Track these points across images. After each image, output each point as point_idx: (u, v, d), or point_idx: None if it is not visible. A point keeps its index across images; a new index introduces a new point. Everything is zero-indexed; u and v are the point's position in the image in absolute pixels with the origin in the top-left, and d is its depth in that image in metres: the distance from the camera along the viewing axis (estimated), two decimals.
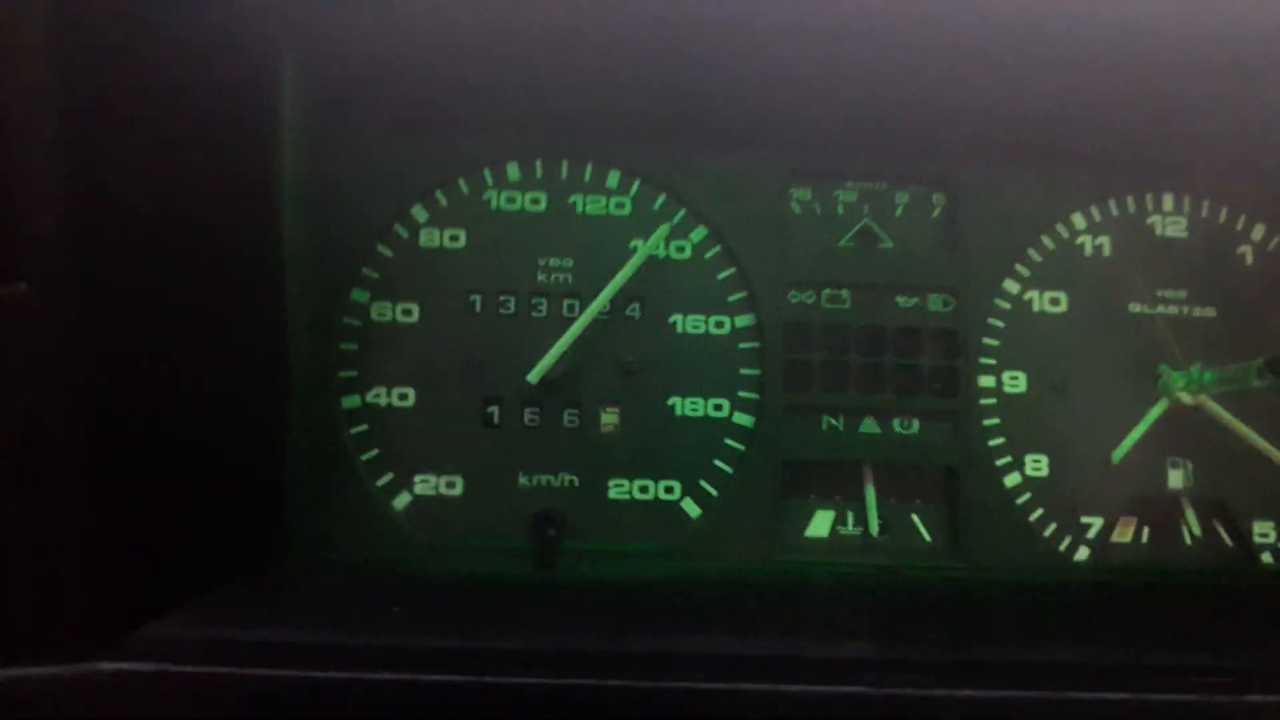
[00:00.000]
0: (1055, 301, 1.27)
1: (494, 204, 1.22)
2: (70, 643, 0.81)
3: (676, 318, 1.23)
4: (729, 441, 1.22)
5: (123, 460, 0.85)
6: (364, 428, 1.19)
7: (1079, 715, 0.85)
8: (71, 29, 0.77)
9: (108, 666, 0.81)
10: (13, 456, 0.78)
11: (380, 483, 1.19)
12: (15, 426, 0.78)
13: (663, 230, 1.22)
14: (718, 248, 1.24)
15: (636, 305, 1.22)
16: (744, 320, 1.24)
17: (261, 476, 1.10)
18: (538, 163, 1.23)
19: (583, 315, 1.18)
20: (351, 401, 1.19)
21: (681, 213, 1.24)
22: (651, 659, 0.86)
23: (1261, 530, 1.25)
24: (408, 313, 1.20)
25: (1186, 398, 1.23)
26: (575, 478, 1.21)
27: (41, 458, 0.79)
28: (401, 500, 1.19)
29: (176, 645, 0.83)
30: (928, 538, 1.25)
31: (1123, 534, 1.26)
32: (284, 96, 1.10)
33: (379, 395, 1.19)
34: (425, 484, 1.19)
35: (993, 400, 1.25)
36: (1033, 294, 1.27)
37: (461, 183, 1.22)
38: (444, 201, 1.22)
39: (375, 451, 1.19)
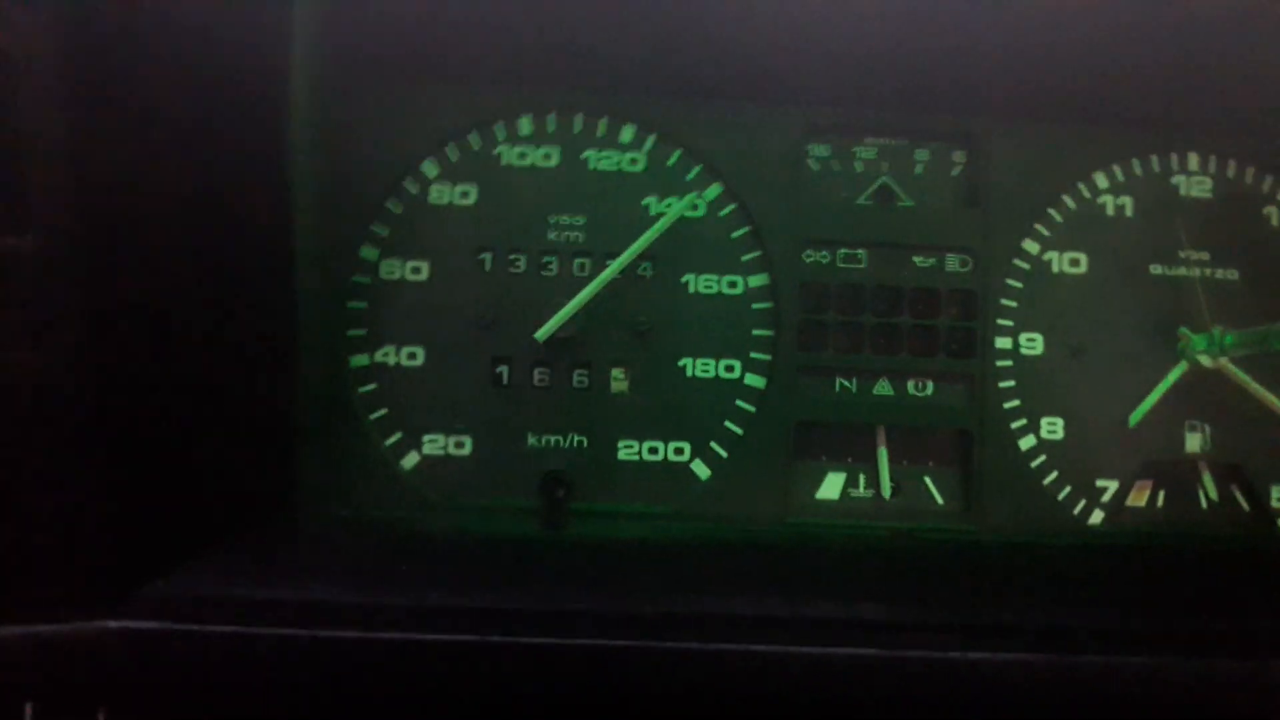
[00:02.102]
0: (1075, 262, 1.24)
1: (505, 159, 1.20)
2: (76, 600, 0.80)
3: (689, 277, 1.21)
4: (740, 403, 1.21)
5: (130, 416, 0.84)
6: (372, 386, 1.18)
7: (1093, 679, 0.84)
8: None
9: (113, 624, 0.81)
10: (18, 411, 0.77)
11: (389, 442, 1.18)
12: (20, 380, 0.77)
13: (690, 196, 1.20)
14: (732, 205, 1.22)
15: (648, 264, 1.20)
16: (758, 280, 1.22)
17: (270, 434, 1.09)
18: (550, 116, 1.21)
19: (601, 275, 1.16)
20: (360, 360, 1.18)
21: (696, 169, 1.22)
22: (660, 620, 0.85)
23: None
24: (417, 270, 1.19)
25: (1206, 361, 1.21)
26: (584, 438, 1.20)
27: (47, 413, 0.78)
28: (410, 459, 1.18)
29: (183, 603, 0.83)
30: (940, 501, 1.24)
31: (1138, 498, 1.25)
32: (294, 49, 1.07)
33: (388, 354, 1.18)
34: (434, 443, 1.18)
35: (1009, 362, 1.23)
36: (1052, 254, 1.24)
37: (473, 137, 1.20)
38: (455, 156, 1.20)
39: (384, 410, 1.18)
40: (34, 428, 0.78)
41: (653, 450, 1.20)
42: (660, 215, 1.20)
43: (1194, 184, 1.26)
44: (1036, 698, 0.84)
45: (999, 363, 1.23)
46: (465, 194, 1.20)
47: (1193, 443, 1.24)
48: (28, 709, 0.82)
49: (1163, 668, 0.84)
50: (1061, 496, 1.23)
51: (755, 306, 1.22)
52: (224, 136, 0.96)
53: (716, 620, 0.85)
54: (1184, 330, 1.23)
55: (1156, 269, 1.25)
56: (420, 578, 0.95)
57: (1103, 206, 1.25)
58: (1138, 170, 1.26)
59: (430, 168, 1.19)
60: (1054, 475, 1.23)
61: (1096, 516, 1.23)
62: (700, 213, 1.21)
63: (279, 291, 1.09)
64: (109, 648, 0.80)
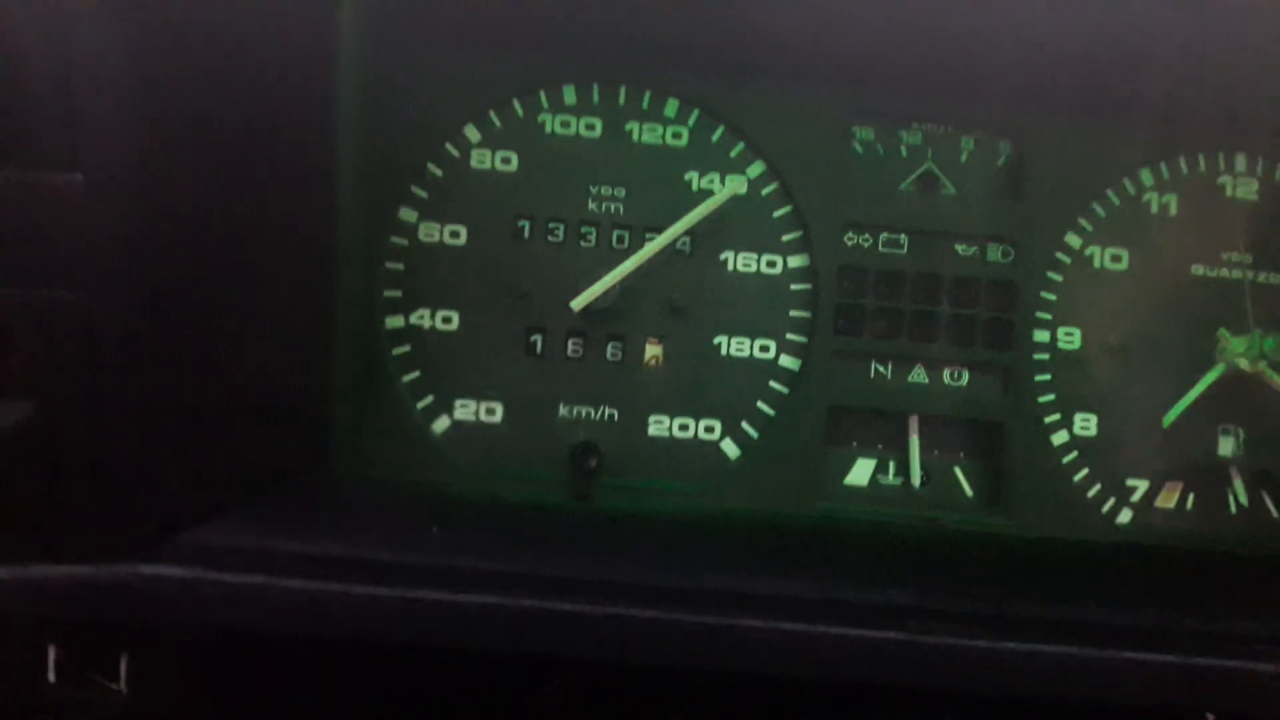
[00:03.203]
0: (1116, 259, 1.23)
1: (548, 127, 1.19)
2: (112, 544, 0.80)
3: (728, 254, 1.20)
4: (773, 384, 1.20)
5: (172, 364, 0.84)
6: (406, 349, 1.17)
7: (1118, 674, 0.84)
8: None
9: (147, 569, 0.81)
10: (63, 351, 0.77)
11: (421, 405, 1.18)
12: (68, 321, 0.77)
13: (739, 178, 1.20)
14: (775, 184, 1.21)
15: (687, 240, 1.19)
16: (797, 261, 1.21)
17: (305, 391, 1.09)
18: (595, 87, 1.20)
19: (644, 248, 1.16)
20: (395, 322, 1.17)
21: (739, 146, 1.20)
22: (688, 594, 0.85)
23: None
24: (455, 235, 1.18)
25: (1244, 364, 1.20)
26: (616, 412, 1.19)
27: (92, 355, 0.78)
28: (441, 424, 1.18)
29: (217, 552, 0.83)
30: (969, 492, 1.23)
31: (1167, 499, 1.23)
32: (343, 10, 1.07)
33: (422, 317, 1.17)
34: (465, 409, 1.18)
35: (1046, 356, 1.22)
36: (1094, 249, 1.23)
37: (516, 104, 1.19)
38: (497, 123, 1.19)
39: (417, 374, 1.17)
40: (76, 369, 0.78)
41: (683, 427, 1.20)
42: (702, 191, 1.19)
43: (1240, 185, 1.25)
44: (1060, 690, 0.84)
45: (1035, 356, 1.22)
46: (506, 160, 1.19)
47: (1225, 447, 1.23)
48: (52, 653, 0.83)
49: (1187, 667, 0.84)
50: (1091, 494, 1.22)
51: (793, 287, 1.21)
52: (271, 93, 0.95)
53: (743, 597, 0.85)
54: (1223, 332, 1.21)
55: (1198, 269, 1.23)
56: (449, 540, 0.95)
57: (1147, 204, 1.24)
58: (1184, 169, 1.24)
59: (472, 133, 1.19)
60: (1084, 472, 1.22)
61: (1125, 515, 1.22)
62: (742, 190, 1.20)
63: (319, 250, 1.09)
64: (142, 592, 0.81)
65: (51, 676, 0.83)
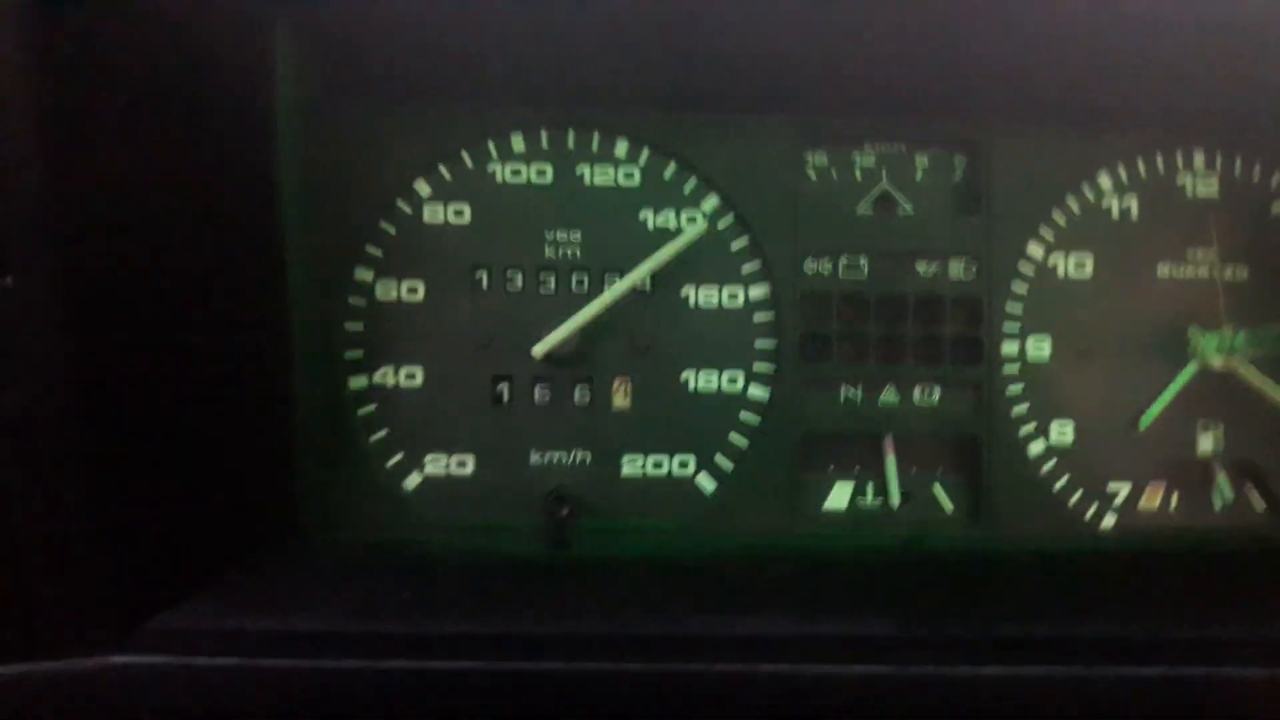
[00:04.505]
0: (1080, 265, 1.23)
1: (499, 177, 1.19)
2: (80, 637, 0.80)
3: (689, 290, 1.19)
4: (744, 415, 1.20)
5: (124, 451, 0.84)
6: (372, 408, 1.17)
7: (1108, 692, 0.83)
8: (52, 5, 0.74)
9: (118, 660, 0.81)
10: (10, 451, 0.77)
11: (390, 463, 1.17)
12: (10, 421, 0.76)
13: (702, 220, 1.20)
14: (730, 217, 1.20)
15: (647, 279, 1.18)
16: (758, 291, 1.20)
17: (269, 459, 1.08)
18: (543, 133, 1.19)
19: (606, 293, 1.15)
20: (359, 382, 1.17)
21: (693, 181, 1.20)
22: (668, 642, 0.84)
23: None
24: (413, 290, 1.17)
25: (1217, 361, 1.19)
26: (588, 455, 1.19)
27: (39, 452, 0.77)
28: (412, 480, 1.17)
29: (187, 636, 0.83)
30: (950, 508, 1.22)
31: (1151, 501, 1.23)
32: (279, 70, 1.06)
33: (386, 375, 1.17)
34: (436, 463, 1.18)
35: (1016, 367, 1.22)
36: (1058, 257, 1.23)
37: (465, 155, 1.18)
38: (447, 175, 1.18)
39: (384, 432, 1.17)
40: (25, 467, 0.77)
41: (657, 465, 1.19)
42: (659, 230, 1.19)
43: (1200, 182, 1.24)
44: (1050, 711, 0.83)
45: (1006, 368, 1.21)
46: (459, 212, 1.18)
47: (1205, 444, 1.23)
48: None
49: (1180, 678, 0.83)
50: (1073, 501, 1.22)
51: (757, 318, 1.20)
52: (212, 162, 0.95)
53: (726, 641, 0.85)
54: (1193, 330, 1.21)
55: (1164, 269, 1.23)
56: (425, 603, 0.94)
57: (1108, 208, 1.23)
58: (1142, 170, 1.24)
59: (423, 187, 1.18)
60: (1065, 480, 1.22)
61: (1109, 521, 1.22)
62: (702, 231, 1.20)
63: (274, 315, 1.08)
64: (115, 683, 0.80)
65: None
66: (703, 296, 1.20)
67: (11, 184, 0.73)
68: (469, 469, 1.18)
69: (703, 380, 1.19)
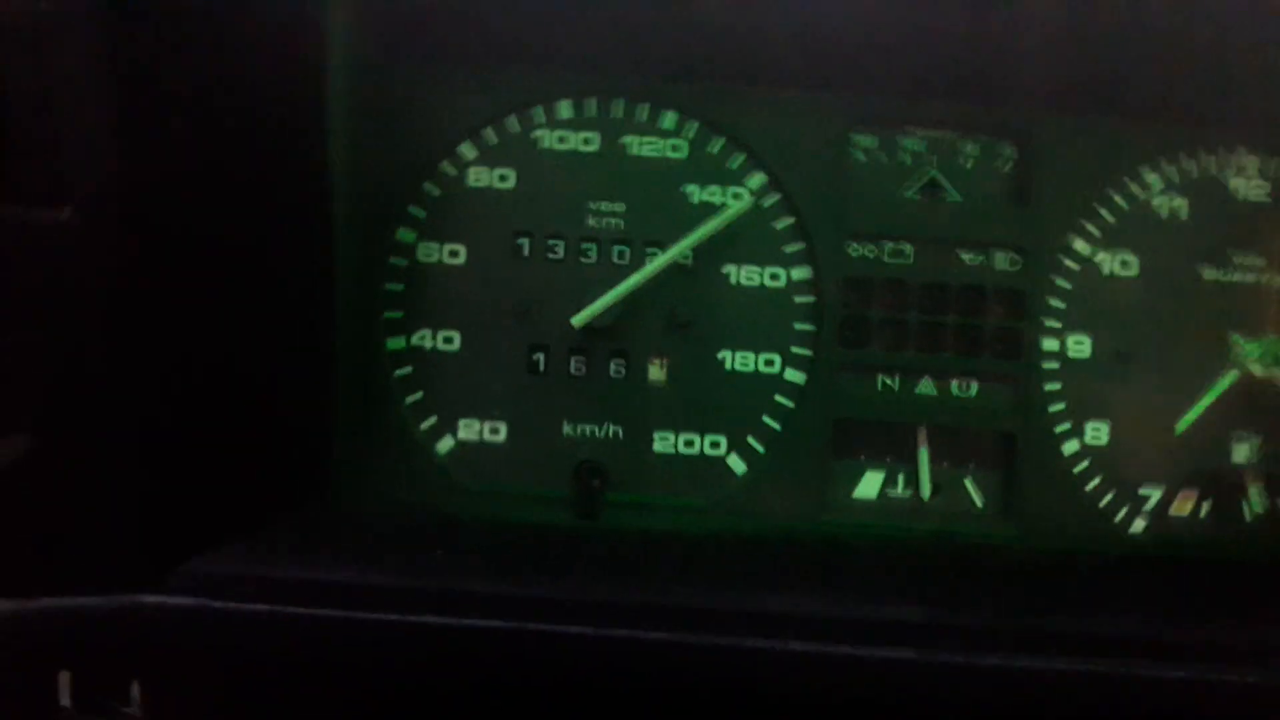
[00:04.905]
0: (1125, 264, 1.21)
1: (545, 143, 1.18)
2: (114, 575, 0.80)
3: (730, 268, 1.19)
4: (779, 398, 1.19)
5: (169, 395, 0.84)
6: (409, 370, 1.17)
7: (1132, 689, 0.82)
8: None
9: (150, 599, 0.80)
10: (57, 388, 0.77)
11: (424, 426, 1.17)
12: (60, 358, 0.76)
13: (747, 196, 1.19)
14: (776, 196, 1.19)
15: (689, 254, 1.18)
16: (800, 273, 1.19)
17: (307, 416, 1.08)
18: (591, 101, 1.18)
19: (648, 266, 1.15)
20: (396, 343, 1.16)
21: (740, 157, 1.19)
22: (694, 614, 0.84)
23: None
24: (454, 254, 1.17)
25: (1258, 369, 1.18)
26: (620, 429, 1.18)
27: (87, 390, 0.77)
28: (445, 444, 1.17)
29: (219, 581, 0.83)
30: (980, 504, 1.21)
31: (1181, 507, 1.22)
32: (332, 31, 1.06)
33: (424, 337, 1.17)
34: (469, 429, 1.17)
35: (1055, 364, 1.20)
36: (1103, 255, 1.21)
37: (512, 120, 1.18)
38: (493, 139, 1.18)
39: (419, 394, 1.17)
40: (71, 405, 0.78)
41: (688, 443, 1.19)
42: (703, 204, 1.18)
43: (1250, 186, 1.23)
44: (1074, 706, 0.83)
45: (1045, 365, 1.20)
46: (503, 177, 1.18)
47: (1240, 453, 1.21)
48: (63, 678, 0.83)
49: (1205, 682, 0.82)
50: (1104, 503, 1.20)
51: (797, 300, 1.19)
52: (262, 118, 0.95)
53: (750, 616, 0.84)
54: (1236, 337, 1.20)
55: (1209, 273, 1.21)
56: (454, 564, 0.94)
57: (1156, 207, 1.22)
58: (1191, 170, 1.22)
59: (468, 150, 1.18)
60: (1097, 481, 1.20)
61: (1138, 525, 1.21)
62: (747, 207, 1.19)
63: (317, 273, 1.08)
64: (145, 622, 0.80)
65: (65, 702, 0.83)
66: (744, 275, 1.19)
67: (78, 116, 0.73)
68: (501, 436, 1.18)
69: (739, 360, 1.19)
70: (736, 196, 1.19)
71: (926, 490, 1.20)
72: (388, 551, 0.98)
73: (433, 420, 1.17)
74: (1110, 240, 1.21)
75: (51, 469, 0.77)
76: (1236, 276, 1.21)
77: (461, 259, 1.17)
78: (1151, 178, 1.22)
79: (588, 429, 1.18)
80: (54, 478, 0.78)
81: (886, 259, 1.21)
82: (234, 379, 0.93)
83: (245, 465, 0.94)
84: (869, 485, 1.22)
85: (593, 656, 0.82)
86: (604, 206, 1.18)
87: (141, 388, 0.81)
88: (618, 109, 1.19)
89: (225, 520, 0.91)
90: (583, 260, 1.18)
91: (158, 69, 0.80)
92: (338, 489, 1.13)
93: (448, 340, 1.17)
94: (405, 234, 1.17)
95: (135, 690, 0.83)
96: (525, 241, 1.18)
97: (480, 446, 1.17)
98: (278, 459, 1.01)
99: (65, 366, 0.77)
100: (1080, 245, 1.21)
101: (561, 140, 1.19)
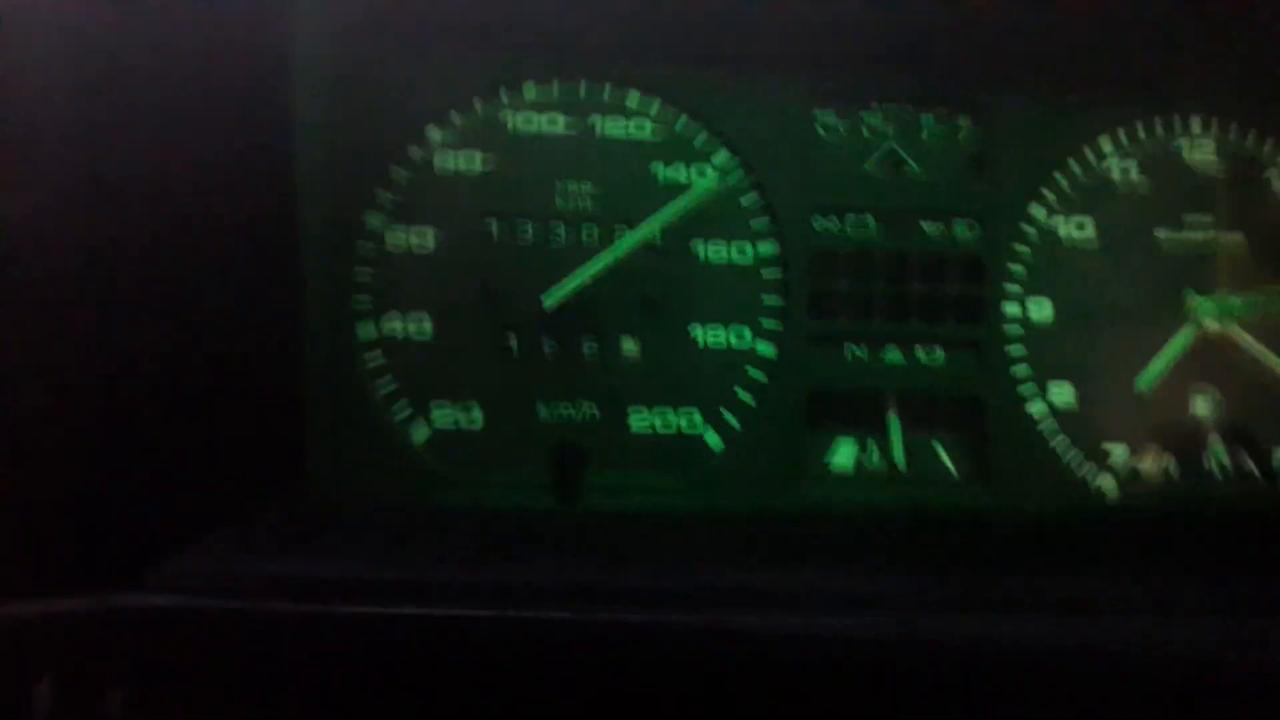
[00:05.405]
0: (1082, 227, 1.24)
1: (511, 125, 1.18)
2: (90, 576, 0.78)
3: (698, 244, 1.19)
4: (751, 371, 1.20)
5: (138, 393, 0.83)
6: (380, 358, 1.16)
7: (1111, 645, 0.84)
8: None
9: (127, 600, 0.79)
10: (25, 390, 0.75)
11: (398, 415, 1.16)
12: (26, 359, 0.75)
13: (714, 175, 1.19)
14: (740, 172, 1.20)
15: (657, 232, 1.18)
16: (767, 247, 1.20)
17: (278, 407, 1.07)
18: (555, 82, 1.18)
19: (617, 244, 1.15)
20: (367, 331, 1.15)
21: (703, 135, 1.20)
22: (675, 594, 0.84)
23: None
24: (423, 238, 1.16)
25: (1214, 325, 1.21)
26: (595, 408, 1.18)
27: (55, 392, 0.76)
28: (420, 432, 1.16)
29: (196, 579, 0.82)
30: (952, 469, 1.23)
31: (1148, 463, 1.25)
32: (297, 16, 1.06)
33: (394, 324, 1.16)
34: (444, 416, 1.16)
35: (1018, 328, 1.23)
36: (1059, 220, 1.24)
37: (477, 103, 1.17)
38: (459, 122, 1.17)
39: (392, 383, 1.16)
40: (41, 406, 0.76)
41: (665, 421, 1.19)
42: (669, 183, 1.19)
43: (1197, 147, 1.26)
44: (1053, 668, 0.84)
45: (1007, 329, 1.23)
46: (471, 160, 1.17)
47: (1202, 408, 1.24)
48: (40, 686, 0.81)
49: (1179, 634, 0.84)
50: (1072, 462, 1.23)
51: (765, 274, 1.20)
52: (227, 105, 0.94)
53: (732, 593, 0.84)
54: (1190, 294, 1.23)
55: (1162, 234, 1.24)
56: (433, 553, 0.94)
57: (1109, 171, 1.25)
58: (1141, 134, 1.25)
59: (435, 133, 1.17)
60: (1063, 440, 1.23)
61: (1107, 482, 1.23)
62: (714, 187, 1.20)
63: (284, 260, 1.07)
64: (123, 623, 0.79)
65: (46, 706, 0.81)
66: (712, 251, 1.20)
67: (33, 105, 0.72)
68: (477, 421, 1.17)
69: (710, 336, 1.19)
70: (701, 174, 1.20)
71: (899, 457, 1.21)
72: (366, 544, 0.97)
73: (407, 409, 1.16)
74: (1066, 205, 1.24)
75: (20, 468, 0.76)
76: (1190, 236, 1.24)
77: (430, 243, 1.16)
78: (1106, 145, 1.25)
79: (563, 410, 1.18)
80: (22, 477, 0.76)
81: (850, 231, 1.22)
82: (201, 371, 0.91)
83: (217, 460, 0.93)
84: (844, 456, 1.23)
85: (576, 641, 0.82)
86: (571, 187, 1.18)
87: (106, 381, 0.79)
88: (581, 90, 1.19)
89: (198, 517, 0.90)
90: (552, 241, 1.17)
91: (120, 56, 0.79)
92: (313, 481, 1.12)
93: (419, 326, 1.16)
94: (373, 219, 1.16)
95: (115, 691, 0.82)
96: (494, 223, 1.17)
97: (456, 433, 1.17)
98: (250, 451, 1.00)
99: (30, 361, 0.75)
100: (1038, 212, 1.24)
101: (528, 122, 1.18)
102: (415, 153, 1.17)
